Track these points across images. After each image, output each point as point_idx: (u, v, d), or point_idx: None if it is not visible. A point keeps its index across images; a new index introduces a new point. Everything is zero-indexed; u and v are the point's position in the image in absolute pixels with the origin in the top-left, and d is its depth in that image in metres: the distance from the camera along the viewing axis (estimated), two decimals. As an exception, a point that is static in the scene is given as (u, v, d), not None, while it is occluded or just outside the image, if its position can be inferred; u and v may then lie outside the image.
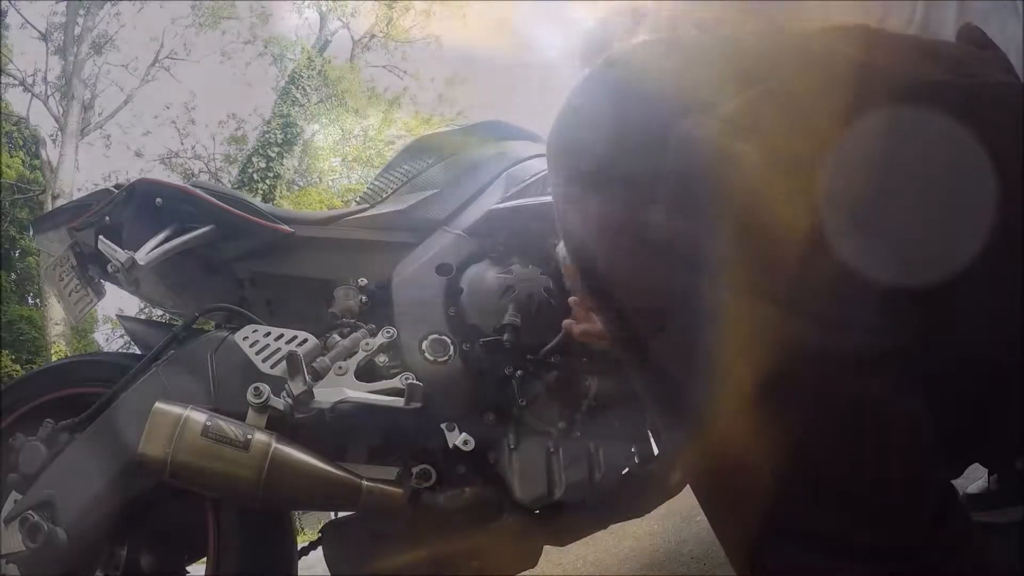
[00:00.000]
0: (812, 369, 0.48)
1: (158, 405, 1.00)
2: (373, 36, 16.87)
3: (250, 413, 1.04)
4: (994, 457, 0.85)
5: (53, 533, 1.06)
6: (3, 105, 13.65)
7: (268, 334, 1.13)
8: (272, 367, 1.08)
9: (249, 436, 0.99)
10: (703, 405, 0.53)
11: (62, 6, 15.05)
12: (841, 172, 0.50)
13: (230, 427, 0.99)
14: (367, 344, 1.13)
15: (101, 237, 1.25)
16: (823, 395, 0.49)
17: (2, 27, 13.83)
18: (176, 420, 0.98)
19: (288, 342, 1.11)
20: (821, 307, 0.48)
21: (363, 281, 1.24)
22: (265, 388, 1.04)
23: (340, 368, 1.09)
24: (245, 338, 1.13)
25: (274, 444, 0.99)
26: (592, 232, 0.55)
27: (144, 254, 1.19)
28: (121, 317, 1.55)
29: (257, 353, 1.10)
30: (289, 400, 1.03)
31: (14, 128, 13.90)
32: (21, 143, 14.17)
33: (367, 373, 1.11)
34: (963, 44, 0.58)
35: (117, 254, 1.20)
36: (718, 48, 0.55)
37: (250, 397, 1.03)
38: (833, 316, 0.48)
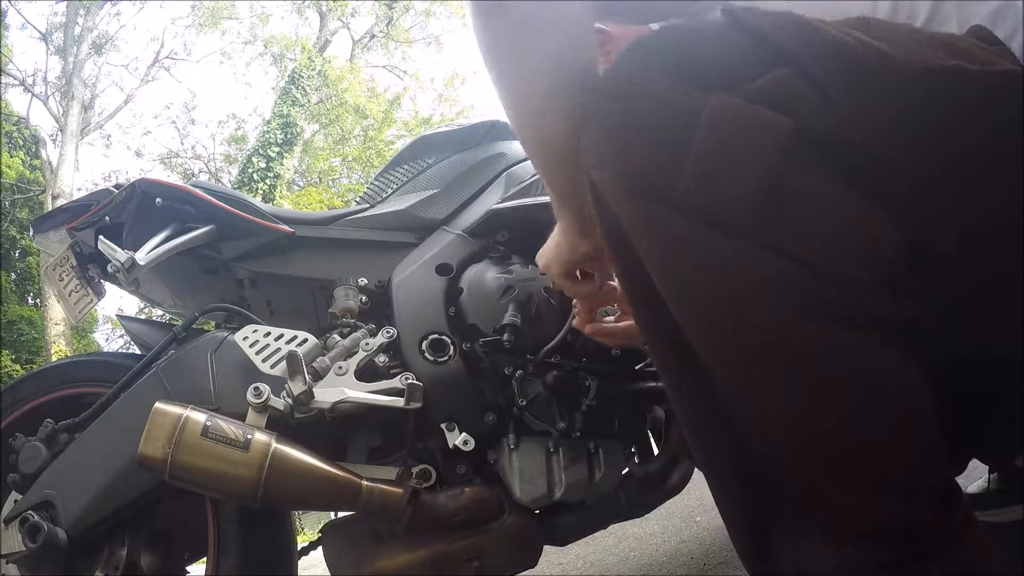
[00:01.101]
0: (828, 333, 0.49)
1: (158, 405, 1.00)
2: (373, 36, 16.88)
3: (250, 413, 1.04)
4: (994, 452, 0.85)
5: (53, 533, 1.06)
6: (3, 105, 13.64)
7: (268, 334, 1.13)
8: (272, 367, 1.08)
9: (249, 436, 0.99)
10: (725, 378, 0.54)
11: (62, 6, 15.05)
12: (865, 151, 0.51)
13: (230, 427, 0.99)
14: (367, 344, 1.13)
15: (101, 237, 1.25)
16: (836, 362, 0.50)
17: (2, 27, 13.82)
18: (176, 420, 0.98)
19: (288, 342, 1.11)
20: (846, 270, 0.49)
21: (363, 281, 1.24)
22: (265, 388, 1.04)
23: (340, 368, 1.09)
24: (245, 338, 1.13)
25: (274, 444, 0.99)
26: (620, 218, 0.56)
27: (144, 254, 1.19)
28: (121, 317, 1.54)
29: (257, 353, 1.10)
30: (289, 400, 1.03)
31: (14, 128, 13.90)
32: (21, 143, 14.18)
33: (367, 373, 1.11)
34: (972, 39, 0.59)
35: (117, 254, 1.19)
36: (738, 31, 0.56)
37: (250, 397, 1.03)
38: (857, 279, 0.49)
